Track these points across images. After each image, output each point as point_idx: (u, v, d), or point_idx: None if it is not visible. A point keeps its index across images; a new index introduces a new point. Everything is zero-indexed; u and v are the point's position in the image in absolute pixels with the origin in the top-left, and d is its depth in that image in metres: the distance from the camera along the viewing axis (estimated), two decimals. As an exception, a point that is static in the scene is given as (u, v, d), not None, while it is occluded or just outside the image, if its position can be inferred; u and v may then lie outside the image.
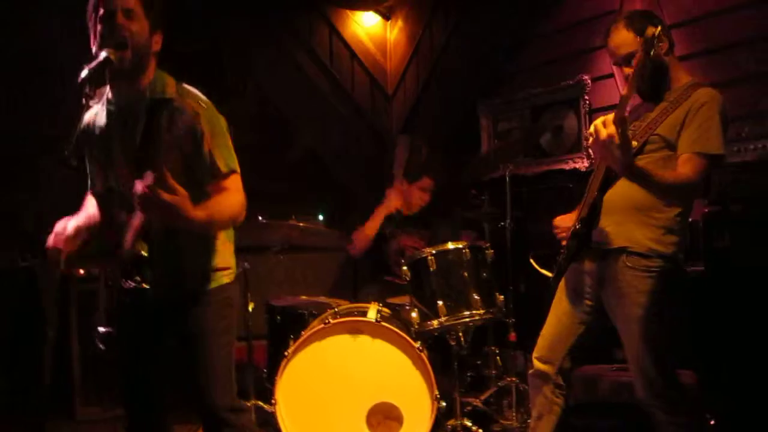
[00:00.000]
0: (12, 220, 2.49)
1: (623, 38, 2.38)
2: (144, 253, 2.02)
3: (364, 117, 5.62)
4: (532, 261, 2.78)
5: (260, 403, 3.33)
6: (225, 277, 2.24)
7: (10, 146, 3.96)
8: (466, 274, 3.08)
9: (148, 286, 2.02)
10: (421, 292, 3.10)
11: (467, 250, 3.10)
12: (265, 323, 3.60)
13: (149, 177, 1.81)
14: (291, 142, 5.31)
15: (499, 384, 3.60)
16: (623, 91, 2.21)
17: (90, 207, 2.32)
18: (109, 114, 2.17)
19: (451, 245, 3.12)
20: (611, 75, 3.96)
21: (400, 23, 5.61)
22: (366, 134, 5.64)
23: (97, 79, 1.97)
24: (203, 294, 2.18)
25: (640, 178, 2.22)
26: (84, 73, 1.95)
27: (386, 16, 5.69)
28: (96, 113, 2.22)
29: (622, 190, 2.34)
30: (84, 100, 1.95)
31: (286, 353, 2.92)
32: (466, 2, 4.93)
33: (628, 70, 2.38)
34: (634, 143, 2.26)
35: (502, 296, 3.14)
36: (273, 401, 2.90)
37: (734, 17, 3.45)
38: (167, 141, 2.02)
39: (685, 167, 2.26)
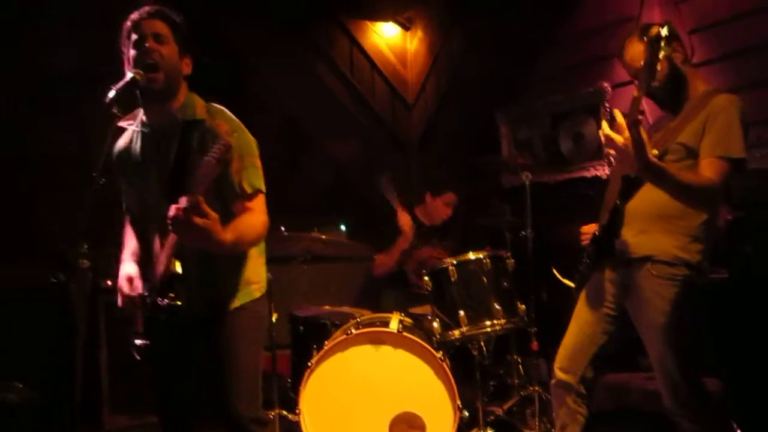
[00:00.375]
0: (41, 238, 2.56)
1: (639, 50, 2.37)
2: (178, 271, 2.08)
3: (384, 127, 5.65)
4: (554, 271, 2.79)
5: (284, 413, 3.37)
6: (256, 291, 2.29)
7: (40, 165, 4.08)
8: (487, 283, 3.09)
9: (180, 303, 2.08)
10: (443, 302, 3.11)
11: (488, 260, 3.11)
12: (289, 333, 3.64)
13: (183, 201, 1.87)
14: (312, 153, 5.36)
15: (522, 393, 3.60)
16: (634, 93, 2.20)
17: (129, 239, 2.39)
18: (144, 137, 2.24)
19: (472, 255, 3.14)
20: (631, 82, 3.95)
21: (419, 33, 5.65)
22: (386, 144, 5.68)
23: (124, 100, 2.04)
24: (235, 308, 2.22)
25: (659, 175, 2.19)
26: (111, 94, 2.01)
27: (406, 27, 5.73)
28: (131, 136, 2.29)
29: (646, 197, 2.34)
30: (111, 120, 2.01)
31: (309, 363, 2.96)
32: (485, 11, 4.94)
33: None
34: (654, 151, 2.24)
35: (524, 305, 3.14)
36: (297, 411, 2.94)
37: (753, 21, 3.43)
38: (199, 162, 2.04)
39: (707, 170, 2.25)
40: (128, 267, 2.28)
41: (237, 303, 2.22)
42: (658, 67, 2.17)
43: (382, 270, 4.19)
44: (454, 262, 3.11)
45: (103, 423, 3.98)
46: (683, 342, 2.32)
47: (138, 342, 2.22)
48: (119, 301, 2.26)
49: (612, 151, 2.21)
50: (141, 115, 2.25)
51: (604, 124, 2.17)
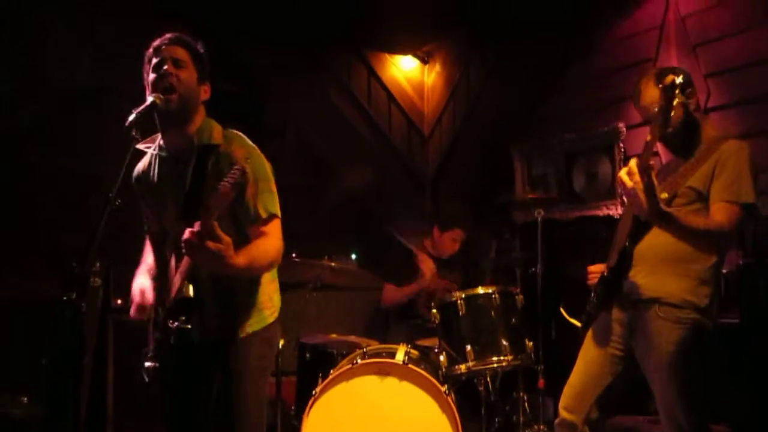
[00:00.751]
0: (55, 255, 2.60)
1: (654, 94, 2.37)
2: (190, 295, 2.08)
3: (400, 158, 5.70)
4: (562, 310, 2.77)
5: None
6: (269, 317, 2.29)
7: (58, 183, 4.15)
8: (495, 319, 3.08)
9: (191, 327, 2.09)
10: (450, 336, 3.11)
11: (497, 295, 3.10)
12: (296, 360, 3.63)
13: (197, 225, 1.89)
14: (328, 182, 5.40)
15: (527, 431, 3.56)
16: (647, 138, 2.22)
17: (148, 257, 2.43)
18: (161, 160, 2.28)
19: (481, 290, 3.14)
20: (645, 123, 3.97)
21: (437, 67, 5.72)
22: (402, 175, 5.72)
23: (144, 123, 2.09)
24: (247, 335, 2.22)
25: (669, 222, 2.21)
26: (131, 117, 2.06)
27: (424, 60, 5.81)
28: (150, 159, 2.34)
29: (655, 240, 2.34)
30: (131, 143, 2.06)
31: (314, 392, 2.95)
32: (503, 47, 5.01)
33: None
34: (664, 195, 2.27)
35: (532, 342, 3.12)
36: (299, 439, 2.93)
37: (771, 68, 3.45)
38: (214, 186, 2.04)
39: (717, 214, 2.26)
40: (142, 279, 2.31)
41: (249, 329, 2.22)
42: (672, 114, 2.19)
43: (390, 302, 4.21)
44: (463, 296, 3.11)
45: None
46: (690, 386, 2.30)
47: (147, 364, 2.22)
48: (131, 311, 2.27)
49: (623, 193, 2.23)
50: (159, 139, 2.29)
51: (623, 170, 2.19)
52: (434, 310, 3.16)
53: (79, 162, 4.06)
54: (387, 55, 5.64)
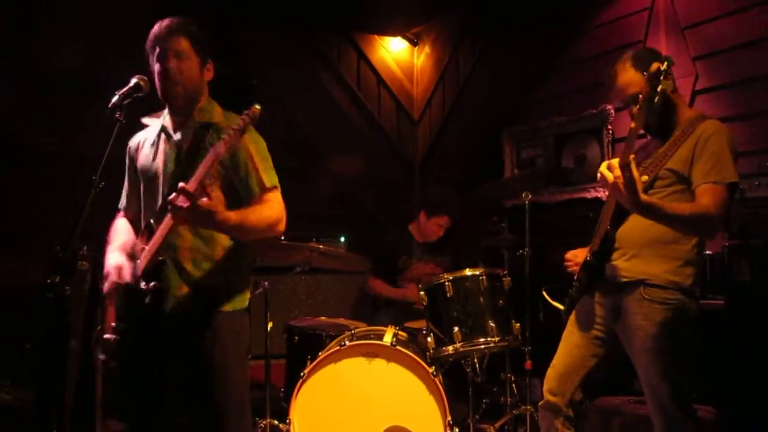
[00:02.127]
0: (41, 238, 2.59)
1: (631, 78, 2.40)
2: (161, 259, 2.13)
3: (389, 141, 5.68)
4: (544, 293, 2.79)
5: (275, 422, 3.37)
6: (239, 303, 2.30)
7: (43, 165, 4.13)
8: (482, 301, 3.08)
9: (163, 287, 2.12)
10: (438, 318, 3.11)
11: (484, 277, 3.10)
12: (284, 343, 3.64)
13: (183, 185, 1.94)
14: (316, 164, 5.39)
15: (515, 412, 3.59)
16: (631, 125, 2.19)
17: (119, 234, 2.39)
18: (163, 135, 2.32)
19: (468, 272, 3.14)
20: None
21: (427, 49, 5.69)
22: (391, 158, 5.71)
23: (128, 105, 2.09)
24: (225, 312, 2.23)
25: (653, 213, 2.21)
26: (114, 99, 2.06)
27: (414, 42, 5.78)
28: (150, 133, 2.37)
29: (638, 223, 2.34)
30: (114, 124, 2.05)
31: (302, 374, 2.96)
32: (493, 30, 4.98)
33: (635, 110, 2.40)
34: (645, 178, 2.28)
35: (519, 324, 3.13)
36: (288, 420, 2.94)
37: (758, 50, 3.45)
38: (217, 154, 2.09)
39: (703, 198, 2.26)
40: (117, 256, 2.27)
41: (228, 308, 2.24)
42: (656, 101, 2.18)
43: (374, 292, 4.21)
44: (450, 278, 3.11)
45: (95, 426, 3.98)
46: (675, 367, 2.31)
47: (106, 336, 2.19)
48: (105, 287, 2.24)
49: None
50: (165, 115, 2.34)
51: (604, 165, 2.16)
52: (422, 293, 3.16)
53: (68, 144, 4.04)
54: (376, 37, 5.60)
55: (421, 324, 3.35)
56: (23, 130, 4.16)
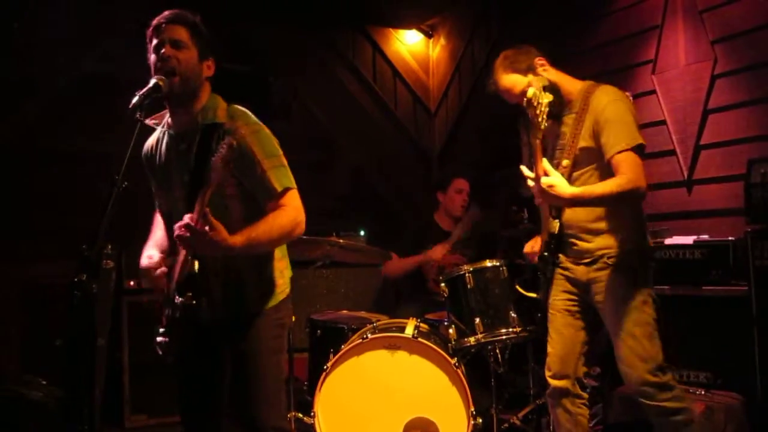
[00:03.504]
0: (68, 237, 2.64)
1: (512, 81, 2.57)
2: (195, 271, 2.10)
3: (407, 134, 5.69)
4: (518, 287, 2.82)
5: (300, 415, 3.40)
6: (280, 294, 2.30)
7: (70, 165, 4.20)
8: (503, 291, 3.09)
9: (196, 303, 2.09)
10: (459, 309, 3.12)
11: (505, 268, 3.11)
12: (307, 337, 3.67)
13: (187, 218, 1.95)
14: (334, 158, 5.41)
15: (538, 402, 3.59)
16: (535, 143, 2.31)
17: (156, 230, 2.43)
18: (168, 138, 2.29)
19: (488, 263, 3.15)
20: (653, 92, 3.94)
21: (442, 41, 5.68)
22: (409, 151, 5.71)
23: (148, 105, 2.10)
24: (258, 313, 2.24)
25: (585, 203, 2.37)
26: (135, 99, 2.07)
27: (428, 34, 5.77)
28: (158, 136, 2.35)
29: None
30: (135, 125, 2.07)
31: (325, 367, 2.99)
32: (507, 19, 4.96)
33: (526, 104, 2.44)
34: (566, 162, 2.43)
35: (540, 314, 3.13)
36: (312, 414, 2.97)
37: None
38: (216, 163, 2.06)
39: (622, 168, 2.33)
40: (150, 250, 2.30)
41: (259, 307, 2.24)
42: (541, 117, 2.26)
43: (390, 271, 4.21)
44: (471, 269, 3.12)
45: (124, 422, 4.06)
46: (650, 325, 2.41)
47: (159, 339, 2.23)
48: (144, 280, 2.29)
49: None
50: (167, 116, 2.30)
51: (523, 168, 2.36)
52: (443, 284, 3.17)
53: (95, 145, 4.10)
54: (391, 30, 5.60)
55: (442, 316, 3.36)
56: (50, 132, 4.23)
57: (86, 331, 2.22)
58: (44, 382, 3.40)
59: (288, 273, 2.38)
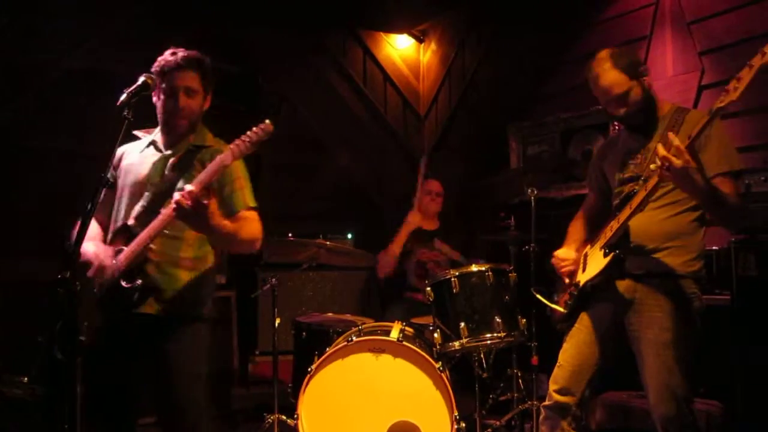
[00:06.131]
0: (52, 235, 2.63)
1: (614, 78, 2.36)
2: (147, 258, 2.22)
3: (396, 138, 5.69)
4: (539, 296, 2.75)
5: (283, 417, 3.40)
6: (200, 311, 2.38)
7: (51, 163, 4.17)
8: (489, 296, 3.09)
9: (141, 282, 2.20)
10: (444, 313, 3.12)
11: (490, 273, 3.11)
12: (292, 339, 3.67)
13: (188, 186, 2.04)
14: (323, 161, 5.41)
15: (521, 407, 3.61)
16: (693, 131, 2.09)
17: (91, 231, 2.39)
18: (154, 148, 2.41)
19: (474, 267, 3.15)
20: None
21: (433, 46, 5.70)
22: (398, 155, 5.72)
23: (135, 103, 2.12)
24: (192, 319, 2.33)
25: (715, 198, 2.19)
26: (123, 97, 2.09)
27: (419, 39, 5.79)
28: (141, 145, 2.44)
29: (653, 218, 2.36)
30: (122, 122, 2.09)
31: (309, 369, 2.98)
32: (498, 26, 4.98)
33: (621, 110, 2.38)
34: (676, 141, 2.13)
35: (525, 320, 3.14)
36: (295, 416, 2.96)
37: (763, 44, 3.42)
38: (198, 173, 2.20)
39: (730, 188, 2.25)
40: (92, 244, 2.31)
41: (195, 314, 2.34)
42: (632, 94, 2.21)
43: (385, 269, 4.23)
44: (457, 273, 3.12)
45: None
46: (686, 359, 2.31)
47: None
48: (91, 270, 2.27)
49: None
50: (156, 133, 2.43)
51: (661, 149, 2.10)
52: (428, 288, 3.18)
53: (78, 143, 4.08)
54: (382, 35, 5.61)
55: (428, 320, 3.36)
56: (33, 130, 4.20)
57: (68, 329, 2.20)
58: (25, 380, 3.37)
59: (209, 301, 2.44)
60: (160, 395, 2.32)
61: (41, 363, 3.18)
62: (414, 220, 4.29)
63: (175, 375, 2.28)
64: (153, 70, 2.32)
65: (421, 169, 4.66)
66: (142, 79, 2.17)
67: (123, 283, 2.19)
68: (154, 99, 2.37)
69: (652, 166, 2.16)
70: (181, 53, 2.32)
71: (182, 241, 2.31)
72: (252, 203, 2.38)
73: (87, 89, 4.12)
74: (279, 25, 4.94)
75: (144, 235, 2.20)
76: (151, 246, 2.23)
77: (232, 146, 2.12)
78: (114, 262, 2.23)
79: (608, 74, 2.37)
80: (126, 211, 2.35)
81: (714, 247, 3.17)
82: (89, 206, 1.99)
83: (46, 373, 3.13)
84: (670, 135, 2.09)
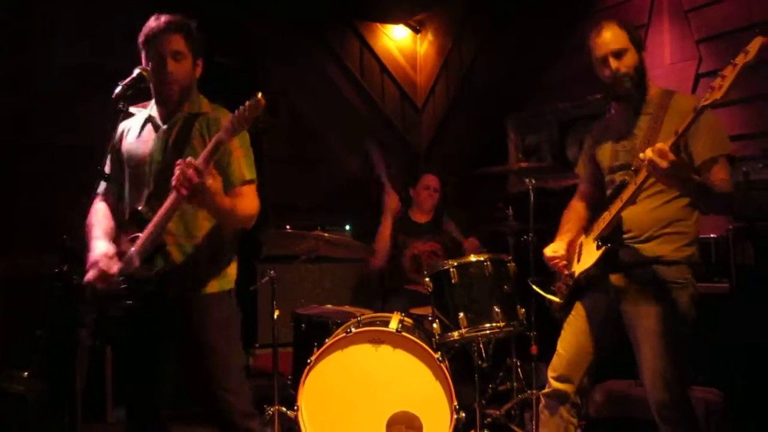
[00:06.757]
0: (50, 229, 2.62)
1: (617, 34, 2.41)
2: (164, 243, 2.19)
3: (394, 129, 5.69)
4: (534, 287, 2.74)
5: (283, 409, 3.40)
6: (232, 282, 2.36)
7: (49, 157, 4.16)
8: (487, 286, 3.09)
9: (160, 268, 2.17)
10: (443, 304, 3.13)
11: (489, 263, 3.12)
12: (291, 331, 3.67)
13: (190, 160, 2.00)
14: (321, 153, 5.40)
15: (521, 397, 3.61)
16: (679, 127, 2.08)
17: (100, 220, 2.37)
18: (151, 121, 2.35)
19: (473, 258, 3.16)
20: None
21: (430, 37, 5.68)
22: (396, 146, 5.71)
23: (131, 95, 2.11)
24: (211, 293, 2.28)
25: (700, 191, 2.20)
26: (118, 89, 2.09)
27: (416, 30, 5.77)
28: (137, 120, 2.39)
29: (644, 207, 2.35)
30: (118, 115, 2.08)
31: (309, 361, 2.99)
32: (495, 17, 4.97)
33: (615, 69, 2.39)
34: (660, 145, 2.12)
35: (524, 309, 3.15)
36: (295, 407, 2.97)
37: (761, 32, 3.42)
38: (199, 146, 2.19)
39: (722, 174, 2.25)
40: (103, 245, 2.26)
41: (214, 289, 2.29)
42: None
43: (378, 258, 4.22)
44: (456, 264, 3.12)
45: (106, 416, 4.03)
46: (682, 348, 2.32)
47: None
48: (91, 275, 2.18)
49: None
50: (152, 106, 2.37)
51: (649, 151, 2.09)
52: (427, 279, 3.18)
53: (80, 138, 4.07)
54: (379, 25, 5.60)
55: (427, 310, 3.37)
56: (30, 124, 4.19)
57: (67, 323, 2.20)
58: (25, 375, 3.37)
59: (235, 267, 2.42)
60: (196, 372, 2.28)
61: (41, 358, 3.19)
62: (392, 202, 4.23)
63: (208, 348, 2.24)
64: (140, 40, 2.27)
65: (372, 151, 4.62)
66: (137, 71, 2.15)
67: (143, 270, 2.16)
68: (144, 65, 2.27)
69: (641, 155, 2.14)
70: (164, 17, 2.26)
71: (196, 216, 2.26)
72: (249, 176, 2.29)
73: (85, 84, 4.10)
74: (276, 18, 4.93)
75: (156, 219, 2.15)
76: (168, 226, 2.19)
77: (226, 124, 2.06)
78: (131, 249, 2.19)
79: (613, 28, 2.43)
80: (133, 194, 2.31)
81: (712, 235, 3.17)
82: (86, 200, 1.98)
83: (46, 368, 3.13)
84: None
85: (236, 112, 2.04)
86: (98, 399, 4.02)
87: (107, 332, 2.28)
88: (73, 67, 4.17)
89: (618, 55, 2.40)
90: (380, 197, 4.51)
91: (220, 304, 2.30)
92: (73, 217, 2.03)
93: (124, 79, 2.14)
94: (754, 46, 1.90)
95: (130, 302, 2.18)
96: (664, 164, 2.02)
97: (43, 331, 2.39)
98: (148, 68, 2.20)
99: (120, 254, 2.21)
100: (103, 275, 2.16)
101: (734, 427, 2.97)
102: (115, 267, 2.18)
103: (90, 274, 2.17)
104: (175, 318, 2.25)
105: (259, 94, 2.04)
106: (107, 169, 2.37)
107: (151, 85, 2.28)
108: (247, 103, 2.04)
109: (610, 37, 2.42)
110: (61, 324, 2.22)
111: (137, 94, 2.19)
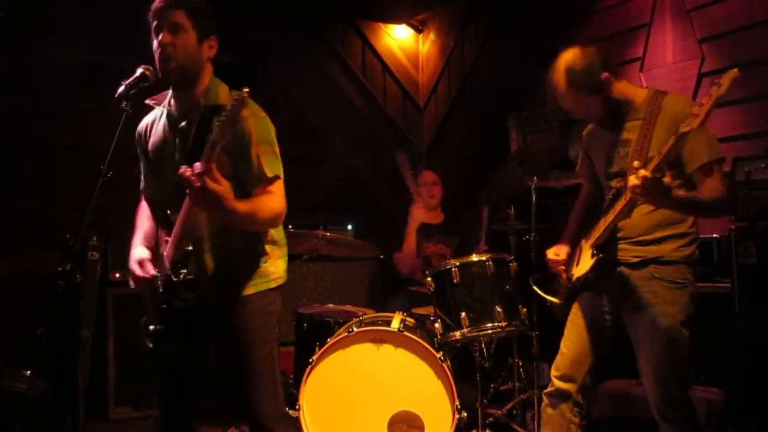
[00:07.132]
0: (53, 229, 2.63)
1: (568, 97, 2.43)
2: (189, 248, 2.10)
3: (396, 129, 5.68)
4: (535, 287, 2.75)
5: (285, 408, 3.40)
6: (272, 282, 2.29)
7: (53, 157, 4.16)
8: (489, 286, 3.10)
9: (193, 278, 2.09)
10: (445, 303, 3.13)
11: (491, 263, 3.12)
12: (293, 330, 3.67)
13: (198, 167, 1.88)
14: (323, 152, 5.40)
15: (523, 396, 3.62)
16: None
17: (143, 221, 2.39)
18: (169, 117, 2.26)
19: (475, 257, 3.16)
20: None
21: (432, 36, 5.68)
22: (398, 146, 5.70)
23: (134, 94, 2.08)
24: (247, 296, 2.22)
25: (685, 207, 2.26)
26: (121, 89, 2.06)
27: (418, 29, 5.77)
28: (155, 117, 2.33)
29: (641, 210, 2.34)
30: (121, 115, 2.06)
31: (310, 360, 2.99)
32: (497, 16, 4.97)
33: (577, 115, 2.45)
34: (637, 163, 2.16)
35: (526, 309, 3.15)
36: (297, 407, 2.97)
37: (764, 32, 3.42)
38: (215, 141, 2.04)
39: (713, 180, 2.25)
40: (139, 251, 2.27)
41: (249, 290, 2.22)
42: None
43: (407, 265, 4.26)
44: (457, 263, 3.12)
45: (108, 414, 4.04)
46: (680, 347, 2.32)
47: (151, 327, 2.21)
48: (131, 283, 2.25)
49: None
50: (169, 96, 2.28)
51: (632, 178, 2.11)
52: (429, 278, 3.18)
53: (78, 136, 4.08)
54: (381, 25, 5.59)
55: (429, 310, 3.37)
56: (32, 123, 4.19)
57: (70, 322, 2.21)
58: (27, 374, 3.38)
59: (283, 264, 2.35)
60: (233, 372, 2.25)
61: (43, 356, 3.20)
62: (417, 213, 4.29)
63: (244, 350, 2.20)
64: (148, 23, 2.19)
65: (403, 165, 4.65)
66: (140, 70, 2.10)
67: (173, 278, 2.11)
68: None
69: (635, 164, 2.15)
70: None
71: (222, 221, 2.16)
72: (270, 173, 2.13)
73: (85, 84, 4.11)
74: (277, 17, 4.93)
75: (177, 224, 2.11)
76: (196, 232, 2.14)
77: (216, 125, 1.90)
78: (163, 253, 2.18)
79: (562, 92, 2.43)
80: (162, 195, 2.26)
81: (714, 235, 3.17)
82: (90, 200, 1.97)
83: (48, 367, 3.14)
84: (636, 163, 2.14)
85: (222, 112, 1.91)
86: (100, 397, 4.02)
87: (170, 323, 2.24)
88: (73, 67, 4.17)
89: (578, 113, 2.46)
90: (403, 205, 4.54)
91: (257, 305, 2.23)
92: (77, 217, 2.02)
93: (127, 78, 2.12)
94: (726, 79, 1.91)
95: (165, 306, 2.14)
96: (647, 189, 2.06)
97: (44, 329, 2.40)
98: (151, 67, 2.13)
99: (160, 257, 2.21)
100: (139, 280, 2.22)
101: (735, 426, 2.97)
102: (150, 271, 2.20)
103: (131, 282, 2.25)
104: (213, 319, 2.22)
105: (245, 89, 1.91)
106: (141, 170, 2.37)
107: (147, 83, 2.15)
108: (232, 99, 1.92)
109: (561, 101, 2.46)
110: (63, 323, 2.23)
111: (140, 93, 2.16)
